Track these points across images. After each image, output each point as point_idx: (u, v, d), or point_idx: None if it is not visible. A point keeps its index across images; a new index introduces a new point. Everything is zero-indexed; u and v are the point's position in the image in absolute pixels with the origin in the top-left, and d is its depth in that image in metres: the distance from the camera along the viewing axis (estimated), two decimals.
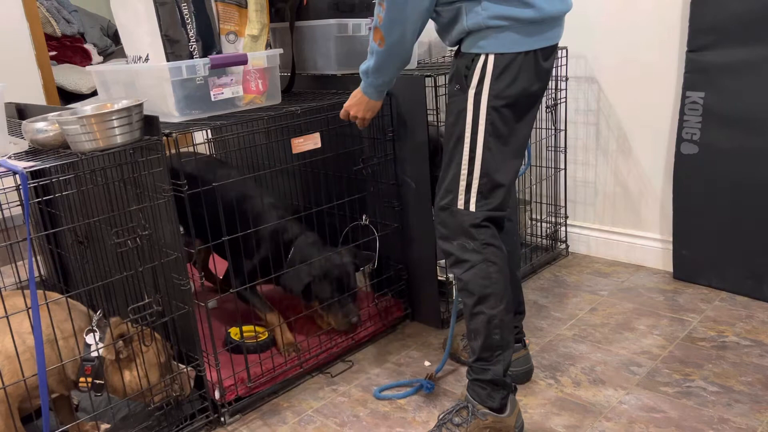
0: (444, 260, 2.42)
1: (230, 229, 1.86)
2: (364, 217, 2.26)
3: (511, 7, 1.44)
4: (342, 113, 1.82)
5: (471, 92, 1.52)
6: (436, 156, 2.20)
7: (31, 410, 1.54)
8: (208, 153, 2.44)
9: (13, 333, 1.44)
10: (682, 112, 2.36)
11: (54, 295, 1.58)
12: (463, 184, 1.57)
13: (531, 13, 1.46)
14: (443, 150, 1.65)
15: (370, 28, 1.61)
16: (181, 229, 1.82)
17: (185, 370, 1.71)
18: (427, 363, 2.08)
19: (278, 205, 2.14)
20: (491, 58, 1.49)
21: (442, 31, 1.61)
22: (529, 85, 1.52)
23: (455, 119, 1.56)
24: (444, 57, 2.67)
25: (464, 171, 1.56)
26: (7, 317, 1.45)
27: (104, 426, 1.70)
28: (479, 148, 1.54)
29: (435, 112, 2.19)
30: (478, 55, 1.50)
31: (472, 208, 1.57)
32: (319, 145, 1.98)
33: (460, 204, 1.58)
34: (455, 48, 1.62)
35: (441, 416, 1.67)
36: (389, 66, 1.61)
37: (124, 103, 1.62)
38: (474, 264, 1.57)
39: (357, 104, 1.76)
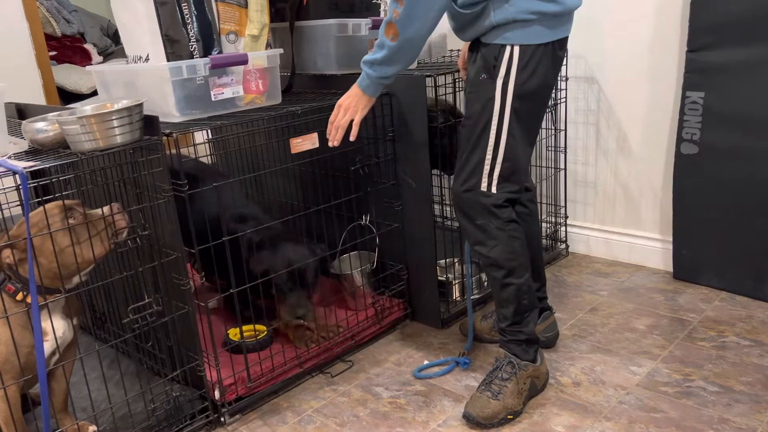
0: (443, 260, 2.43)
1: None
2: (364, 217, 2.26)
3: (538, 1, 1.54)
4: (332, 115, 1.81)
5: (499, 81, 1.61)
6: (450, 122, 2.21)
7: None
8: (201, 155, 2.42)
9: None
10: (682, 112, 2.36)
11: None
12: (487, 168, 1.69)
13: (555, 7, 1.56)
14: (462, 136, 1.73)
15: (382, 23, 1.62)
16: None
17: None
18: (425, 362, 2.08)
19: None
20: (516, 49, 1.58)
21: (463, 27, 1.66)
22: (548, 74, 1.65)
23: (482, 107, 1.65)
24: (444, 57, 2.67)
25: (489, 156, 1.67)
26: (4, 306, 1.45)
27: (92, 428, 1.69)
28: (504, 134, 1.65)
29: (435, 113, 2.19)
30: (504, 46, 1.59)
31: (494, 190, 1.70)
32: (317, 145, 1.98)
33: (483, 186, 1.70)
34: (468, 42, 1.69)
35: (485, 378, 1.82)
36: (397, 60, 1.64)
37: (124, 103, 1.61)
38: (500, 241, 1.72)
39: (351, 98, 1.76)
